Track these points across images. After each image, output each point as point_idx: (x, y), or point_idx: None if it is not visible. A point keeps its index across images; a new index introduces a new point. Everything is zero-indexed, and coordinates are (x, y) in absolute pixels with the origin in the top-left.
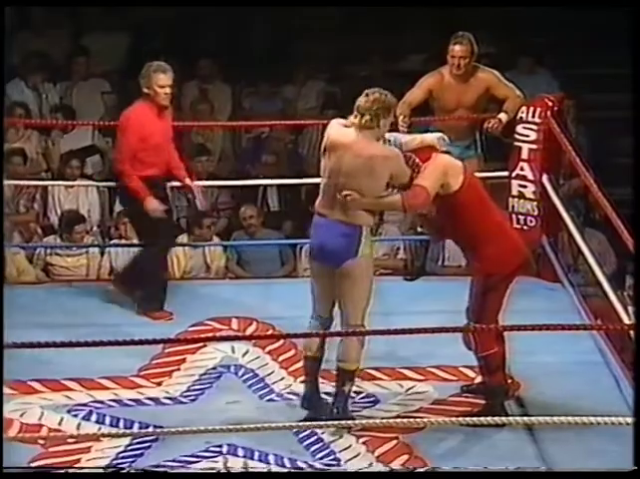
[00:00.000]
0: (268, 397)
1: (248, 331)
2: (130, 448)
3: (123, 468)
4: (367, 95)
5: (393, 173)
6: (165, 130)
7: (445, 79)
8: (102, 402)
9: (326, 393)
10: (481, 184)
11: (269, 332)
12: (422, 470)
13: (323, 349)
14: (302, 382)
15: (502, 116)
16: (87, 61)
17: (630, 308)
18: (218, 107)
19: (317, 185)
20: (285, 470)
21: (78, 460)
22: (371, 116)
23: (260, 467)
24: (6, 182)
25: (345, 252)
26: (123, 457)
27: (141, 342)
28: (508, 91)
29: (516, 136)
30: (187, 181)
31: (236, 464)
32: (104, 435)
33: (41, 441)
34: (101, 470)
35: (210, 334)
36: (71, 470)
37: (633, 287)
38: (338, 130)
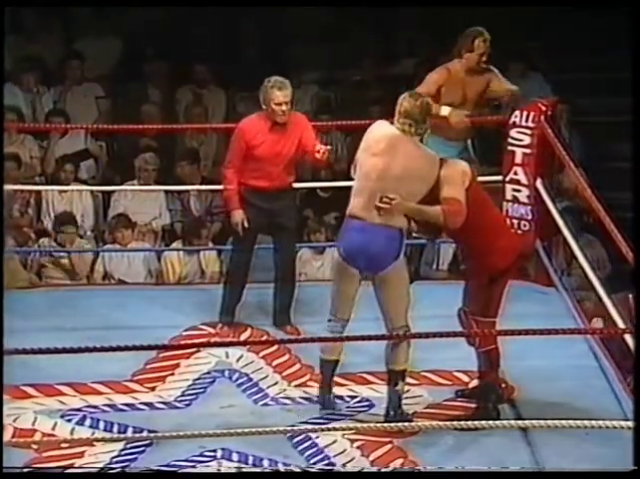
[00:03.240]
0: (262, 402)
1: (243, 337)
2: (123, 453)
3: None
4: (413, 99)
5: (436, 177)
6: (278, 144)
7: (451, 74)
8: (95, 407)
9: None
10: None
11: (264, 338)
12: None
13: (341, 351)
14: (320, 387)
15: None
16: (81, 65)
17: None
18: (213, 111)
19: (312, 189)
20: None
21: (71, 465)
22: (421, 121)
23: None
24: (5, 186)
25: (390, 257)
26: (116, 462)
27: (135, 348)
28: (503, 84)
29: (510, 140)
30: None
31: (230, 469)
32: (97, 440)
33: (34, 446)
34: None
35: (205, 340)
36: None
37: (633, 290)
38: (385, 132)
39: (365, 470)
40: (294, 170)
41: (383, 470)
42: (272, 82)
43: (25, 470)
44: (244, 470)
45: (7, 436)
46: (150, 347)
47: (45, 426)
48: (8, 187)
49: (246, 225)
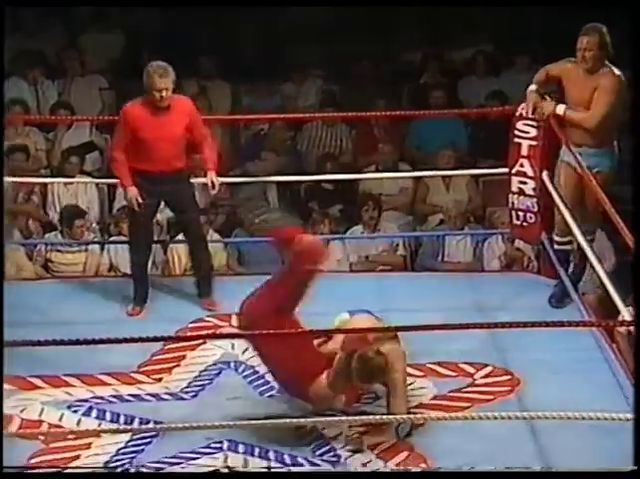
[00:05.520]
0: (268, 393)
1: None
2: (130, 444)
3: (123, 464)
4: None
5: None
6: (161, 128)
7: (574, 68)
8: (102, 398)
9: None
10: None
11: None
12: (422, 468)
13: None
14: None
15: (560, 107)
16: (80, 56)
17: None
18: (217, 104)
19: (316, 182)
20: (285, 467)
21: (78, 456)
22: None
23: (260, 463)
24: (6, 178)
25: None
26: (123, 453)
27: (140, 340)
28: (600, 100)
29: (516, 132)
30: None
31: (236, 460)
32: (104, 431)
33: (41, 437)
34: (101, 465)
35: (210, 332)
36: (71, 465)
37: (632, 284)
38: None
39: (371, 462)
40: (184, 154)
41: (389, 462)
42: (154, 67)
43: (26, 469)
44: (250, 461)
45: (14, 427)
46: (156, 339)
47: (52, 417)
48: (15, 179)
49: (140, 200)
